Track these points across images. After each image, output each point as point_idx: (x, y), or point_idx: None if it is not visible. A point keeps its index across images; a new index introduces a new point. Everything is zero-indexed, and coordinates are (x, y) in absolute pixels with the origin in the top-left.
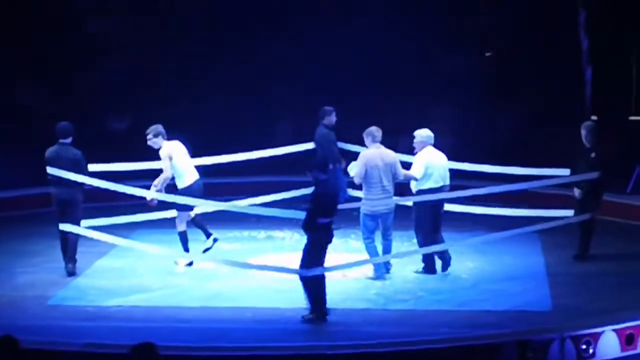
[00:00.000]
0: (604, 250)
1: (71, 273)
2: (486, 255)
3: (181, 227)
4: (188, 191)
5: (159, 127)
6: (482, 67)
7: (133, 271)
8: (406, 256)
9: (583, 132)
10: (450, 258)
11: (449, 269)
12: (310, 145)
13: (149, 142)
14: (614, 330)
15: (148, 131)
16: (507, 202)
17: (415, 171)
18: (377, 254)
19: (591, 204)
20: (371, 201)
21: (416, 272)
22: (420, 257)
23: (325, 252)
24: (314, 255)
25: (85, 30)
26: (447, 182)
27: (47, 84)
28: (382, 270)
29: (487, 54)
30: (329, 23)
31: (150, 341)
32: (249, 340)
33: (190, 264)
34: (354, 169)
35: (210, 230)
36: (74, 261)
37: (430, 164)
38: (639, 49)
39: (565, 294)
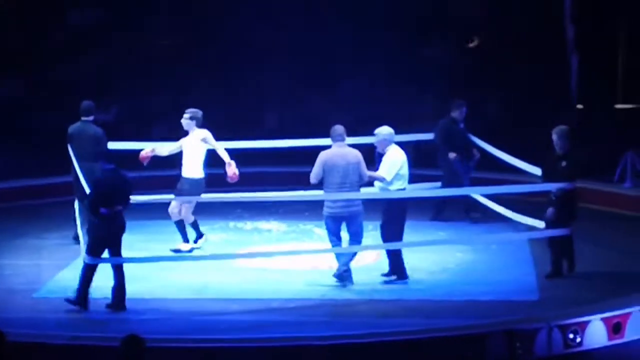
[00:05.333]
0: (591, 240)
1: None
2: (473, 245)
3: (189, 218)
4: (200, 183)
5: (200, 113)
6: (465, 56)
7: None
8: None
9: (554, 137)
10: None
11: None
12: (427, 136)
13: (183, 121)
14: (602, 319)
15: (188, 111)
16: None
17: (385, 172)
18: (345, 258)
19: (561, 221)
20: (330, 202)
21: (387, 281)
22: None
23: (102, 244)
24: (92, 243)
25: (67, 21)
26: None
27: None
28: (349, 280)
29: (470, 44)
30: (317, 9)
31: (136, 333)
32: (236, 332)
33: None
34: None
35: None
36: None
37: (403, 164)
38: (625, 35)
39: (552, 283)
